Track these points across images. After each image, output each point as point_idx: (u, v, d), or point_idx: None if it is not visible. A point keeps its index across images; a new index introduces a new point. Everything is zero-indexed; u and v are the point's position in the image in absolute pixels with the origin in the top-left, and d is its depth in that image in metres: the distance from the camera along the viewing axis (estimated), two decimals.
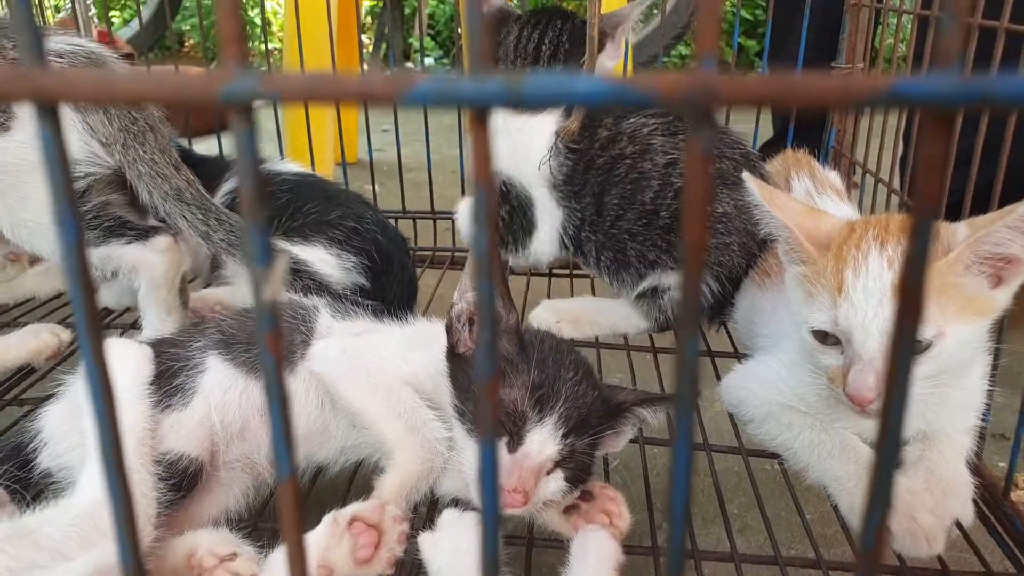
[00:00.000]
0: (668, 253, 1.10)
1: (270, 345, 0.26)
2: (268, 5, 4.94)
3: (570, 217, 1.16)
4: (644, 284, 1.13)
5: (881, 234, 0.78)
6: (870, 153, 1.30)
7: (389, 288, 1.18)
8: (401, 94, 0.22)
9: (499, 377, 0.26)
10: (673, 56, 4.48)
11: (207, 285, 1.24)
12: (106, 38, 1.85)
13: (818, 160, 1.24)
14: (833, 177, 1.18)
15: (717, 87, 0.22)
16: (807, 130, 1.35)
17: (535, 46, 1.15)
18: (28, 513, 0.65)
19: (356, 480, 0.87)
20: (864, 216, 0.96)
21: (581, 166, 1.14)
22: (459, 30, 1.76)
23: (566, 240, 1.18)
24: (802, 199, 1.08)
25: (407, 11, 4.79)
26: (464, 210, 1.34)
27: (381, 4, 4.24)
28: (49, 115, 0.24)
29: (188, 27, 5.12)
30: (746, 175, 0.87)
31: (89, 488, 0.67)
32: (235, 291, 1.15)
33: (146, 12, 3.81)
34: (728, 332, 1.17)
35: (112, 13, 4.71)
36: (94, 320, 0.27)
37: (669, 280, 1.11)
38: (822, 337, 0.79)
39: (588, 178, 1.14)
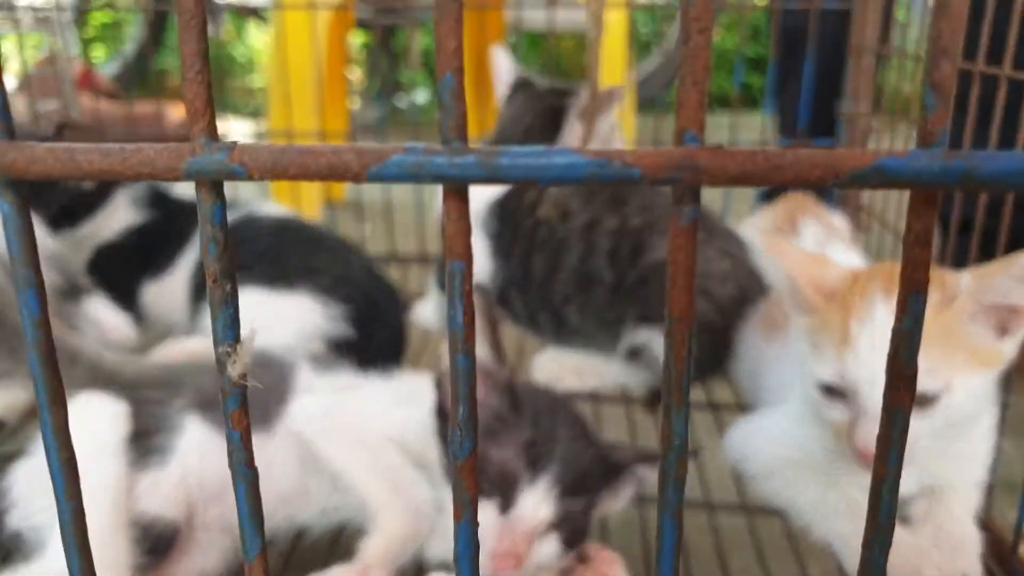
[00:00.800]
0: (631, 311, 1.11)
1: (236, 423, 0.26)
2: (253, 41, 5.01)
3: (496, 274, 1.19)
4: (622, 343, 1.13)
5: (886, 283, 0.78)
6: (877, 196, 1.31)
7: (377, 338, 1.18)
8: (372, 170, 0.22)
9: (475, 457, 0.25)
10: (674, 95, 4.54)
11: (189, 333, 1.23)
12: (87, 78, 1.87)
13: (824, 203, 1.25)
14: (839, 222, 1.19)
15: (700, 163, 0.22)
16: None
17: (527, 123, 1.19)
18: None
19: (339, 542, 0.86)
20: (870, 263, 0.97)
21: (510, 226, 1.17)
22: None
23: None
24: (811, 245, 1.08)
25: (399, 46, 4.87)
26: (427, 309, 1.34)
27: (373, 39, 4.31)
28: (12, 189, 0.24)
29: (173, 65, 5.18)
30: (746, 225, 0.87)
31: (57, 553, 0.66)
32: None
33: (130, 48, 3.85)
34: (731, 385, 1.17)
35: (95, 53, 4.77)
36: (56, 389, 0.27)
37: (644, 338, 1.11)
38: (828, 391, 0.79)
39: (516, 238, 1.17)
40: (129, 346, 1.18)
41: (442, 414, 0.79)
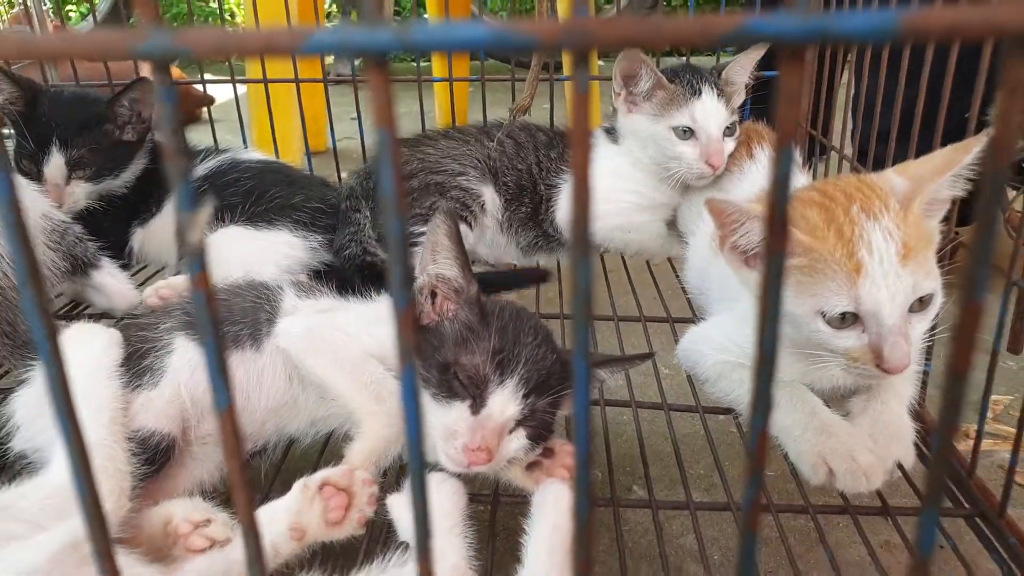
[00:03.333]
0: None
1: (200, 285, 0.28)
2: None
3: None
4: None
5: (865, 206, 0.79)
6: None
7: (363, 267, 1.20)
8: (301, 45, 0.24)
9: (412, 311, 0.28)
10: None
11: (177, 272, 1.25)
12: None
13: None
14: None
15: (592, 30, 0.24)
16: (763, 103, 1.38)
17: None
18: (4, 490, 0.66)
19: (327, 450, 0.89)
20: (820, 181, 0.98)
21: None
22: None
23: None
24: (766, 169, 1.11)
25: None
26: None
27: None
28: None
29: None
30: (708, 199, 0.85)
31: (62, 464, 0.69)
32: None
33: (103, 6, 3.75)
34: (688, 300, 1.20)
35: (68, 7, 4.63)
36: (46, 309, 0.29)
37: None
38: (835, 321, 0.79)
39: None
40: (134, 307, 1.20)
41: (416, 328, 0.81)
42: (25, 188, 1.13)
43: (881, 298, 0.76)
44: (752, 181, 1.19)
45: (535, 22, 0.24)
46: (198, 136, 1.57)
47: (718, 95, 1.21)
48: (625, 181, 1.29)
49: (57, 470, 0.71)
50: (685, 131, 1.21)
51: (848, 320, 0.78)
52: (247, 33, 0.24)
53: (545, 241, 1.35)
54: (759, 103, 1.35)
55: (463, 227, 1.28)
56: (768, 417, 0.29)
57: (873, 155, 1.12)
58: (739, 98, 1.26)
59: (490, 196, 1.32)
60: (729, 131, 1.22)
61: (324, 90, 1.62)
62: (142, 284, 1.30)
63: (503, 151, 1.34)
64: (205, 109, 2.97)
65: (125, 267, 1.26)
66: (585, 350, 0.28)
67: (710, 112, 1.20)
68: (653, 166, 1.26)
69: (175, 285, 1.12)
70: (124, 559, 0.64)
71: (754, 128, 1.28)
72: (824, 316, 0.79)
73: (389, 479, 0.83)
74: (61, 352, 0.30)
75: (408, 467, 0.78)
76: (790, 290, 0.81)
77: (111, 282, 1.19)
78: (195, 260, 0.27)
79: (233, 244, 1.19)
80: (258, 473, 0.87)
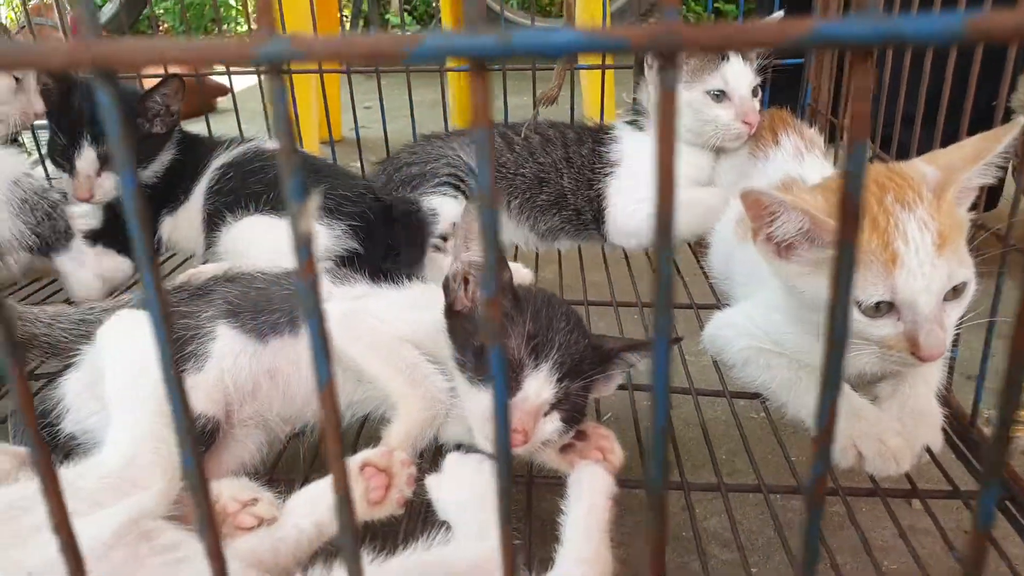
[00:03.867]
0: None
1: (306, 272, 0.30)
2: None
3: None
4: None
5: (899, 196, 0.80)
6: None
7: (386, 251, 1.22)
8: (412, 51, 0.26)
9: (500, 297, 0.30)
10: None
11: (205, 261, 1.27)
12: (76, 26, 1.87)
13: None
14: (816, 135, 1.24)
15: (682, 33, 0.26)
16: (783, 89, 1.40)
17: None
18: (61, 469, 0.69)
19: (363, 433, 0.92)
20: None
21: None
22: (436, 4, 1.78)
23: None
24: (791, 155, 1.13)
25: None
26: None
27: None
28: (107, 80, 0.28)
29: (162, 11, 5.08)
30: (743, 191, 0.86)
31: (117, 446, 0.72)
32: (228, 266, 1.19)
33: None
34: (710, 286, 1.22)
35: None
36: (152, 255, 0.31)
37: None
38: (870, 311, 0.80)
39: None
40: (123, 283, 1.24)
41: (451, 314, 0.84)
42: None
43: (917, 288, 0.77)
44: (776, 167, 1.21)
45: (627, 27, 0.26)
46: (215, 126, 1.60)
47: (742, 55, 1.25)
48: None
49: (112, 451, 0.73)
50: (718, 94, 1.25)
51: (883, 309, 0.80)
52: (357, 39, 0.26)
53: (570, 227, 1.39)
54: (781, 90, 1.37)
55: (460, 199, 1.33)
56: (837, 398, 0.31)
57: (898, 141, 1.13)
58: (755, 60, 1.30)
59: None
60: (755, 92, 1.26)
61: (348, 81, 1.64)
62: (172, 272, 1.33)
63: (526, 144, 1.38)
64: (220, 99, 3.01)
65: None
66: (667, 334, 0.31)
67: (740, 73, 1.24)
68: (689, 135, 1.29)
69: (206, 273, 1.15)
70: (180, 534, 0.67)
71: (779, 114, 1.30)
72: (859, 306, 0.81)
73: (426, 460, 0.86)
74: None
75: (444, 449, 0.80)
76: (824, 279, 0.82)
77: (71, 269, 1.23)
78: (303, 247, 0.30)
79: (258, 233, 1.22)
80: (297, 456, 0.89)
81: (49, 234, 1.19)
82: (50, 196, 1.21)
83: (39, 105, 1.32)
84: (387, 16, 4.91)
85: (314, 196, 0.29)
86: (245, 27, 4.76)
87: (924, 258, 0.77)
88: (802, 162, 1.17)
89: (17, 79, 1.29)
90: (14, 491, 0.65)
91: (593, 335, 0.85)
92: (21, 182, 1.16)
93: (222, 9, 4.97)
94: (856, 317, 0.81)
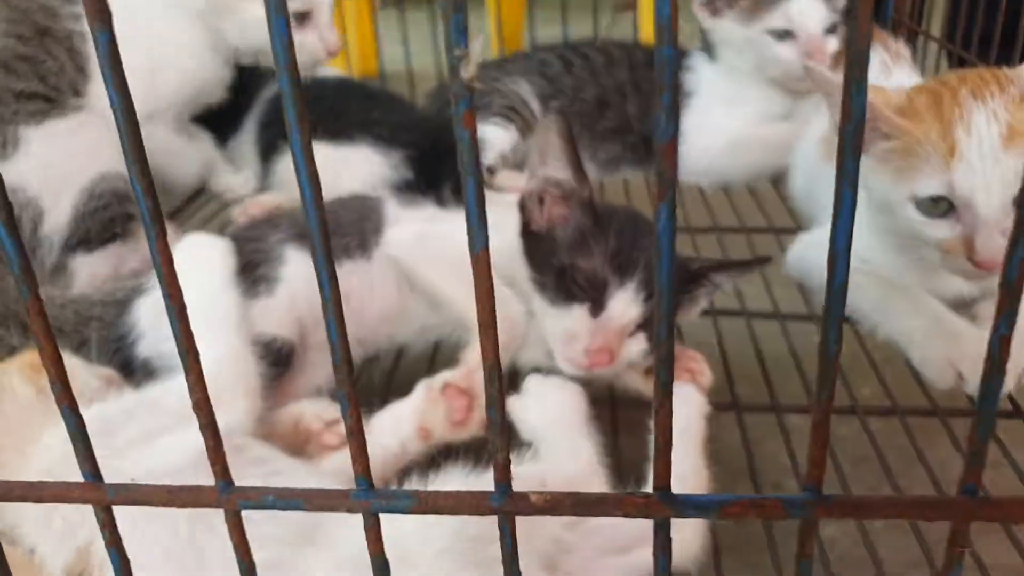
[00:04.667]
0: None
1: (466, 122, 0.29)
2: None
3: None
4: None
5: (975, 89, 0.77)
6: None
7: (444, 177, 1.21)
8: None
9: (676, 140, 0.29)
10: None
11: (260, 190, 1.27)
12: None
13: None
14: (902, 47, 1.19)
15: None
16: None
17: None
18: (149, 386, 0.70)
19: (436, 360, 0.92)
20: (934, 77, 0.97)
21: None
22: None
23: None
24: (877, 70, 1.09)
25: None
26: None
27: None
28: None
29: None
30: (809, 64, 0.86)
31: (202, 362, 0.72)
32: (288, 196, 1.19)
33: None
34: (788, 210, 1.20)
35: None
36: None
37: None
38: (928, 209, 0.78)
39: None
40: None
41: (527, 234, 0.83)
42: None
43: (976, 183, 0.74)
44: None
45: None
46: None
47: None
48: (735, 99, 1.28)
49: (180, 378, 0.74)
50: (782, 34, 1.20)
51: (942, 207, 0.77)
52: None
53: (634, 156, 1.36)
54: None
55: (511, 130, 1.31)
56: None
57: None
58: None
59: (536, 106, 1.34)
60: (831, 30, 1.20)
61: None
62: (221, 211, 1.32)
63: (586, 64, 1.34)
64: None
65: None
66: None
67: (806, 10, 1.18)
68: (755, 72, 1.24)
69: (263, 203, 1.15)
70: (267, 450, 0.68)
71: None
72: (915, 201, 0.78)
73: (504, 385, 0.86)
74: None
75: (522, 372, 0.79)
76: (886, 175, 0.81)
77: None
78: (465, 99, 0.29)
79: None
80: (371, 380, 0.90)
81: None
82: None
83: (334, 40, 1.21)
84: None
85: (478, 41, 0.28)
86: None
87: (987, 152, 0.73)
88: (889, 76, 1.13)
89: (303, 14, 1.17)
90: (106, 408, 0.66)
91: (680, 254, 0.83)
92: None
93: None
94: (912, 215, 0.79)
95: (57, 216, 1.06)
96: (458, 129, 0.30)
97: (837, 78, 0.85)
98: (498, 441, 0.35)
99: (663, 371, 0.32)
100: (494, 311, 0.33)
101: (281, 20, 0.28)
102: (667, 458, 0.34)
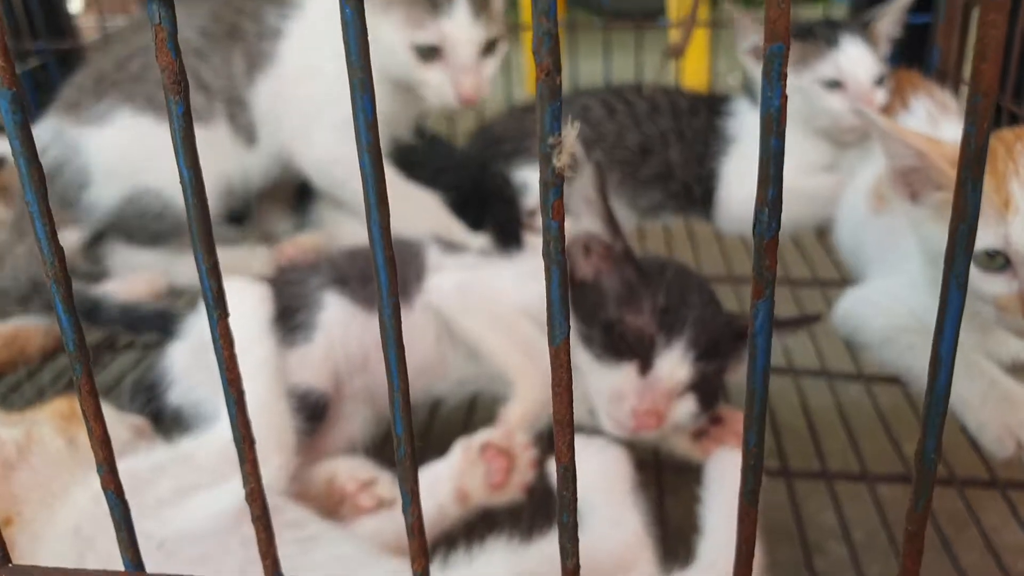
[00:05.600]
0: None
1: (555, 212, 0.28)
2: None
3: None
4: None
5: None
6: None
7: (487, 221, 1.20)
8: None
9: (776, 238, 0.28)
10: None
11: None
12: None
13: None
14: (949, 99, 1.18)
15: None
16: (903, 50, 1.33)
17: None
18: (181, 441, 0.69)
19: (474, 412, 0.91)
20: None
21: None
22: None
23: None
24: (923, 121, 1.07)
25: None
26: None
27: None
28: None
29: None
30: (865, 111, 0.86)
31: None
32: (326, 235, 1.18)
33: None
34: (832, 262, 1.18)
35: None
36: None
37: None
38: (984, 263, 0.76)
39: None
40: None
41: (573, 284, 0.81)
42: None
43: None
44: None
45: None
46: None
47: (864, 42, 1.18)
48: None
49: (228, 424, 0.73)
50: (831, 83, 1.18)
51: (998, 262, 0.76)
52: None
53: (675, 203, 1.35)
54: (906, 50, 1.31)
55: None
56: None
57: None
58: (885, 48, 1.23)
59: (579, 151, 1.34)
60: (878, 81, 1.19)
61: None
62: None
63: (629, 111, 1.34)
64: None
65: None
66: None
67: (856, 61, 1.17)
68: (802, 122, 1.23)
69: (301, 243, 1.14)
70: (302, 512, 0.66)
71: (907, 75, 1.24)
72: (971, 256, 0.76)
73: (542, 443, 0.84)
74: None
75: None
76: (940, 226, 0.80)
77: None
78: (555, 188, 0.28)
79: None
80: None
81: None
82: None
83: (470, 86, 1.03)
84: None
85: (572, 129, 0.27)
86: None
87: None
88: (936, 127, 1.11)
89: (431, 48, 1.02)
90: (137, 463, 0.65)
91: (728, 311, 0.81)
92: None
93: None
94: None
95: (100, 195, 1.10)
96: (546, 219, 0.28)
97: (894, 126, 0.84)
98: (569, 546, 0.33)
99: (750, 480, 0.30)
100: (571, 406, 0.32)
101: (367, 98, 0.27)
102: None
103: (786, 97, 0.26)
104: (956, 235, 0.27)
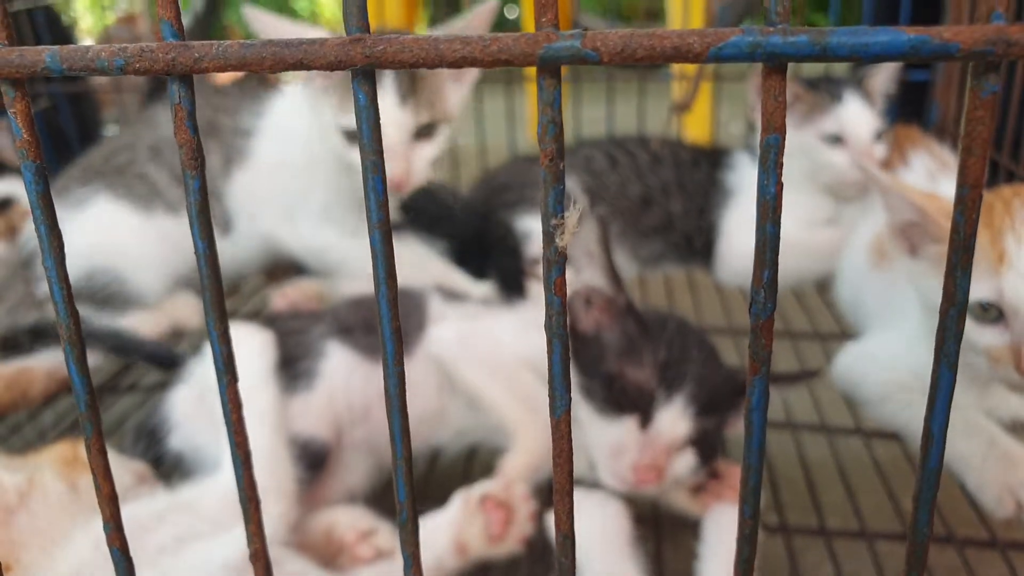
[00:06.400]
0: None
1: (557, 288, 0.29)
2: None
3: None
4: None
5: None
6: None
7: (488, 270, 1.21)
8: (712, 51, 0.25)
9: (772, 320, 0.28)
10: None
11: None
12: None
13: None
14: (948, 155, 1.19)
15: (1012, 38, 0.25)
16: (902, 106, 1.36)
17: None
18: (182, 488, 0.69)
19: (473, 463, 0.91)
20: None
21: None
22: None
23: None
24: (922, 177, 1.09)
25: None
26: None
27: None
28: (369, 80, 0.27)
29: (235, 20, 5.22)
30: (867, 167, 0.88)
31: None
32: (330, 283, 1.19)
33: (199, 3, 3.87)
34: (832, 314, 1.19)
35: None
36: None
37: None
38: (978, 315, 0.78)
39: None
40: None
41: (574, 336, 0.82)
42: None
43: None
44: None
45: (955, 28, 0.25)
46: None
47: (863, 100, 1.21)
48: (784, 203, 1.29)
49: (230, 472, 0.73)
50: (834, 139, 1.20)
51: (992, 314, 0.77)
52: (657, 33, 0.25)
53: (675, 254, 1.36)
54: (906, 106, 1.33)
55: None
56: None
57: None
58: (879, 103, 1.25)
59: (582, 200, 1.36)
60: (877, 137, 1.21)
61: None
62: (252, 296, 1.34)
63: (631, 162, 1.36)
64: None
65: None
66: (955, 360, 0.29)
67: (857, 117, 1.19)
68: (803, 177, 1.24)
69: (303, 288, 1.15)
70: (302, 564, 0.66)
71: (906, 131, 1.26)
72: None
73: (541, 495, 0.84)
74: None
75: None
76: (938, 280, 0.79)
77: None
78: (557, 266, 0.29)
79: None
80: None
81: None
82: None
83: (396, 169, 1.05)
84: None
85: (575, 210, 0.28)
86: None
87: None
88: (935, 182, 1.13)
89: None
90: (138, 510, 0.65)
91: (728, 365, 0.82)
92: None
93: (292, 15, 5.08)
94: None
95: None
96: (548, 295, 0.29)
97: (894, 181, 0.86)
98: None
99: (745, 550, 0.31)
100: (571, 476, 0.32)
101: (378, 179, 0.29)
102: None
103: (782, 185, 0.27)
104: (946, 318, 0.28)
